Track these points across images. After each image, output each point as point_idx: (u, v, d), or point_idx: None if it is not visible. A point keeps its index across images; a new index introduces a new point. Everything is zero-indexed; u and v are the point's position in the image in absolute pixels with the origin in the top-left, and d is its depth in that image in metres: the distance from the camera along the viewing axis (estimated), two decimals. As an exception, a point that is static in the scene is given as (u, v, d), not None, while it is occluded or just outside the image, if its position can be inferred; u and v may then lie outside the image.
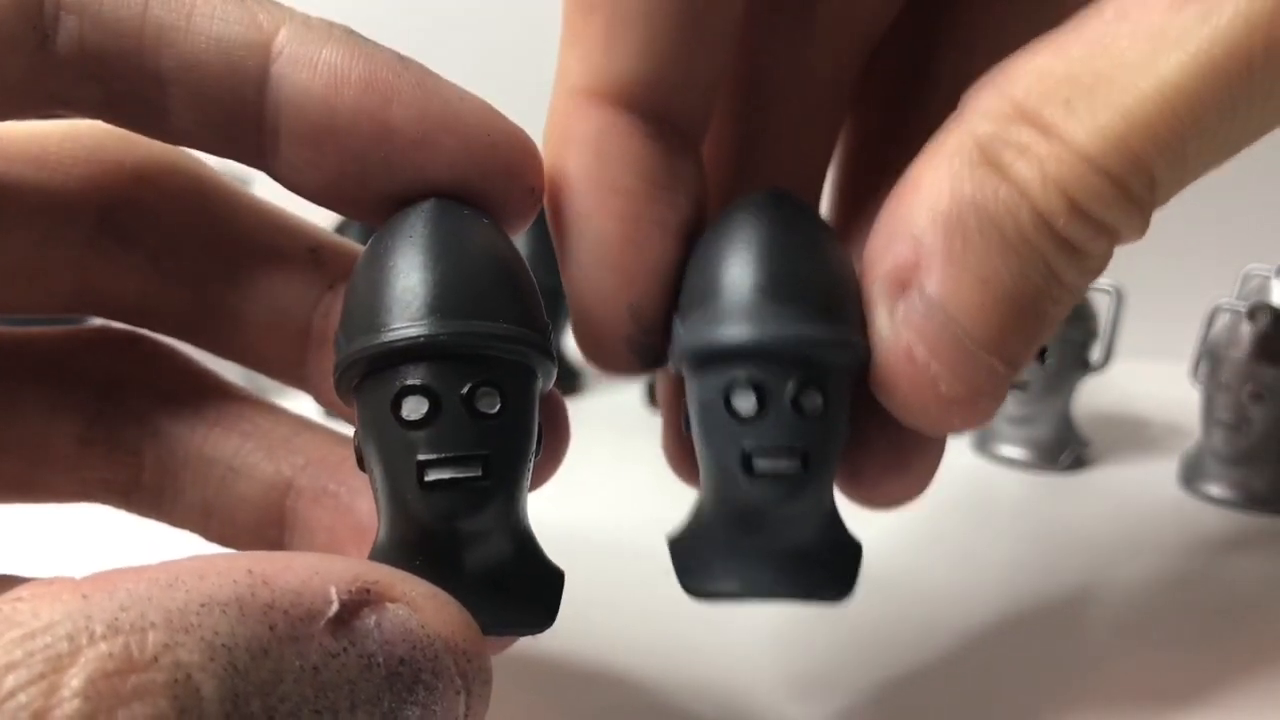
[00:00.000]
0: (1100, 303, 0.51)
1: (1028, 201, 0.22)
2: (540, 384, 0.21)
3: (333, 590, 0.16)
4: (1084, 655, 0.35)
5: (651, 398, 0.58)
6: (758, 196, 0.25)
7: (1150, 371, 0.60)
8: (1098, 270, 0.23)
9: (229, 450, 0.26)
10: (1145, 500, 0.48)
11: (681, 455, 0.29)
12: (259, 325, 0.25)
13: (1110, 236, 0.22)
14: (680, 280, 0.25)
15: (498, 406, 0.19)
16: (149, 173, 0.25)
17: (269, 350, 0.26)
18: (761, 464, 0.23)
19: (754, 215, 0.24)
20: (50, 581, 0.15)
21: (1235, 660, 0.35)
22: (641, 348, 0.26)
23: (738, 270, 0.24)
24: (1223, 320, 0.48)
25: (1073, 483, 0.51)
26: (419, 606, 0.17)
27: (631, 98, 0.25)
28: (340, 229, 0.54)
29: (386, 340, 0.19)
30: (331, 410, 0.27)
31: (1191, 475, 0.49)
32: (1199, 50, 0.20)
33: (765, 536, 0.24)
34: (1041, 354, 0.51)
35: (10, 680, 0.13)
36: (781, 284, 0.23)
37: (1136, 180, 0.21)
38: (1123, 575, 0.41)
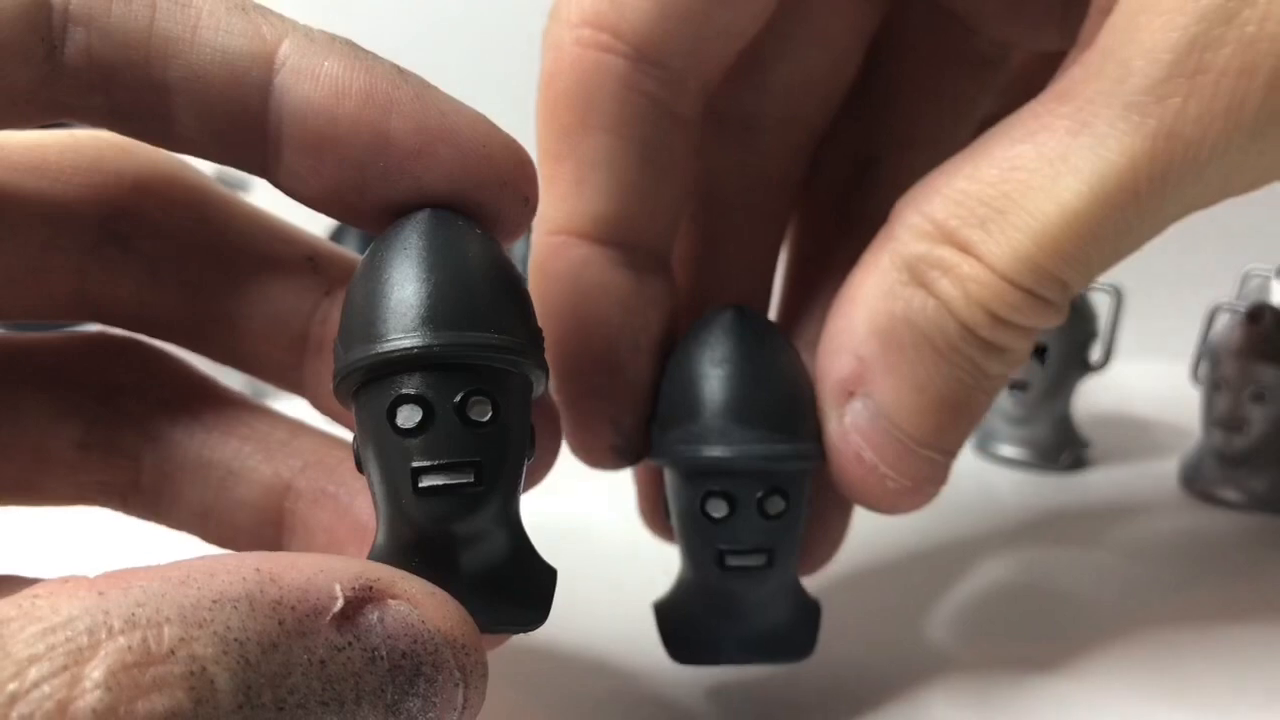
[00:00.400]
0: (1100, 303, 0.51)
1: (953, 316, 0.25)
2: (532, 389, 0.22)
3: (337, 587, 0.17)
4: (1083, 654, 0.35)
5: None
6: (724, 317, 0.29)
7: (1150, 371, 0.60)
8: (1022, 359, 0.26)
9: (227, 454, 0.26)
10: (1145, 500, 0.48)
11: (658, 523, 0.33)
12: (257, 332, 0.26)
13: (1030, 333, 0.25)
14: (657, 388, 0.29)
15: (489, 414, 0.20)
16: (149, 182, 0.25)
17: (267, 356, 0.26)
18: (732, 560, 0.28)
19: (722, 338, 0.28)
20: (64, 580, 0.16)
21: (1236, 659, 0.35)
22: (623, 451, 0.30)
23: (710, 393, 0.28)
24: (1223, 320, 0.48)
25: (1073, 483, 0.51)
26: (419, 603, 0.18)
27: (602, 233, 0.28)
28: (335, 235, 0.54)
29: (382, 351, 0.20)
30: (329, 415, 0.27)
31: (1191, 475, 0.49)
32: (1092, 179, 0.23)
33: (736, 617, 0.29)
34: (1041, 354, 0.51)
35: (34, 672, 0.14)
36: (748, 406, 0.27)
37: (1048, 290, 0.24)
38: (1122, 575, 0.41)
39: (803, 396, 0.29)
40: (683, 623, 0.30)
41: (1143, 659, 0.35)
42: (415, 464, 0.20)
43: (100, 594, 0.15)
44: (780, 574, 0.28)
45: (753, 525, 0.27)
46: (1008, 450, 0.52)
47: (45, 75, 0.20)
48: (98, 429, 0.26)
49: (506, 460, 0.20)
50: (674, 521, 0.29)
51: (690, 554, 0.29)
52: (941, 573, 0.40)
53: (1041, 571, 0.41)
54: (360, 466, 0.21)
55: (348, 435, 0.26)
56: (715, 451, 0.27)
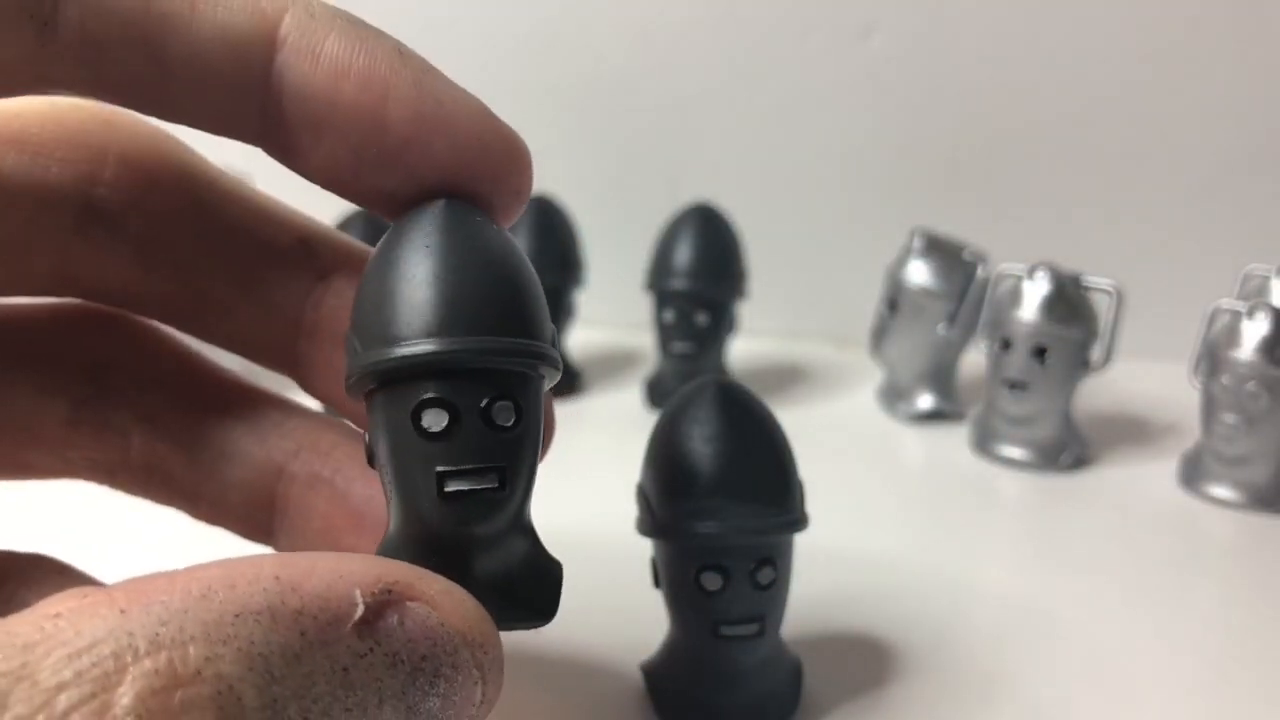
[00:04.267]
0: (1100, 303, 0.51)
1: None
2: (545, 387, 0.22)
3: (357, 593, 0.17)
4: (1083, 654, 0.35)
5: (651, 398, 0.58)
6: (709, 393, 0.30)
7: (1150, 371, 0.60)
8: None
9: (219, 435, 0.26)
10: (1145, 500, 0.48)
11: None
12: (248, 315, 0.25)
13: None
14: None
15: (513, 419, 0.20)
16: (134, 158, 0.24)
17: (258, 340, 0.26)
18: (726, 630, 0.29)
19: (710, 414, 0.29)
20: (83, 593, 0.15)
21: (1235, 659, 0.35)
22: None
23: (701, 470, 0.29)
24: (1223, 320, 0.48)
25: (1073, 483, 0.51)
26: (437, 604, 0.18)
27: None
28: (344, 225, 0.54)
29: (409, 354, 0.19)
30: (322, 400, 0.27)
31: (1191, 475, 0.49)
32: None
33: (728, 684, 0.30)
34: (1041, 354, 0.51)
35: (63, 700, 0.14)
36: (739, 482, 0.28)
37: None
38: (1122, 575, 0.41)
39: (787, 465, 0.30)
40: (674, 690, 0.31)
41: (1143, 659, 0.35)
42: (440, 468, 0.19)
43: (122, 612, 0.15)
44: (770, 640, 0.30)
45: (746, 596, 0.29)
46: (1008, 450, 0.52)
47: (34, 50, 0.20)
48: (86, 407, 0.26)
49: (528, 463, 0.20)
50: (664, 589, 0.30)
51: (683, 623, 0.30)
52: (940, 574, 0.40)
53: (1040, 572, 0.41)
54: (372, 461, 0.21)
55: (341, 417, 0.26)
56: (711, 529, 0.28)
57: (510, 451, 0.20)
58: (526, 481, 0.21)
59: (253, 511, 0.26)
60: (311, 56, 0.20)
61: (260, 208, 0.26)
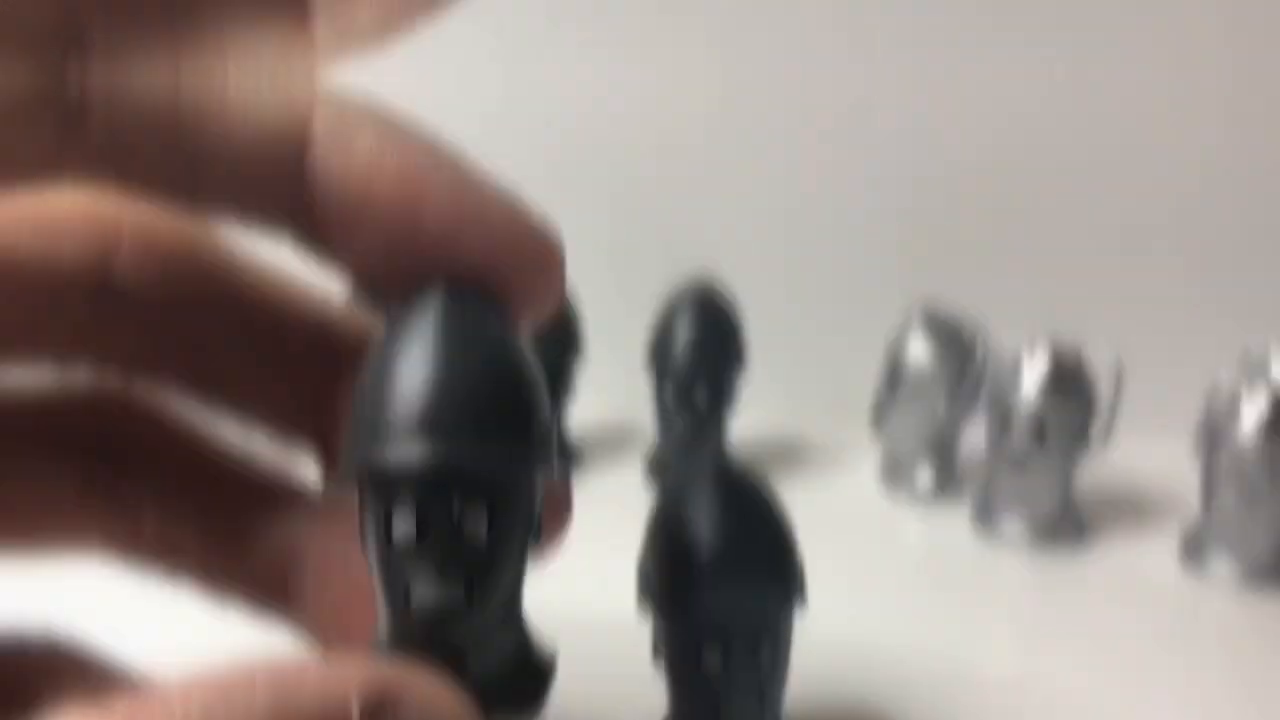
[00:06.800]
0: (1101, 379, 0.51)
1: None
2: (537, 484, 0.21)
3: (354, 705, 0.17)
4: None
5: (652, 472, 0.58)
6: (708, 475, 0.30)
7: (1151, 447, 0.60)
8: None
9: (232, 518, 0.26)
10: (1146, 578, 0.48)
11: None
12: (265, 395, 0.25)
13: None
14: None
15: (485, 527, 0.19)
16: (149, 235, 0.24)
17: (275, 419, 0.26)
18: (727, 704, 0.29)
19: (709, 495, 0.29)
20: (82, 715, 0.15)
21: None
22: None
23: (703, 549, 0.28)
24: (1224, 395, 0.48)
25: (1073, 560, 0.50)
26: (428, 699, 0.18)
27: None
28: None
29: (380, 460, 0.19)
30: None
31: (1192, 551, 0.49)
32: None
33: None
34: (1041, 431, 0.51)
35: None
36: (740, 561, 0.29)
37: None
38: (1123, 655, 0.41)
39: (788, 544, 0.30)
40: None
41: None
42: (408, 577, 0.19)
43: None
44: (771, 709, 0.30)
45: (747, 671, 0.29)
46: (1008, 527, 0.52)
47: (56, 143, 0.19)
48: (94, 491, 0.25)
49: (502, 571, 0.20)
50: (664, 667, 0.30)
51: (683, 702, 0.30)
52: (937, 652, 0.40)
53: (1042, 652, 0.41)
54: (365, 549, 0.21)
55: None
56: (711, 607, 0.28)
57: (481, 561, 0.19)
58: (503, 589, 0.20)
59: (266, 589, 0.26)
60: (345, 153, 0.20)
61: (281, 289, 0.25)
